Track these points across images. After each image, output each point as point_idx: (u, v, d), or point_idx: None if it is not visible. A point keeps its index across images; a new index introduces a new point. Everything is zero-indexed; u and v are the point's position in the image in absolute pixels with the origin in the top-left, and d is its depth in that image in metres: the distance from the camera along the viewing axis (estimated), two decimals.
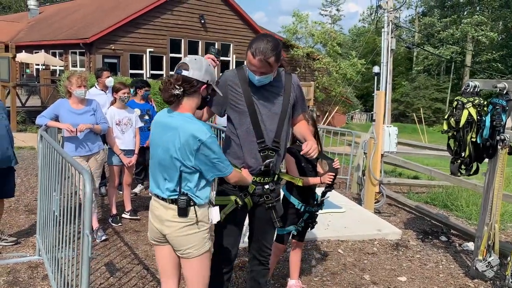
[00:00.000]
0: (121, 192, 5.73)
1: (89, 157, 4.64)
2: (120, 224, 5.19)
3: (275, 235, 3.18)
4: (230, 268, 2.78)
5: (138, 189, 6.65)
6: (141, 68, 18.78)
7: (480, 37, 36.72)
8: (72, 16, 23.22)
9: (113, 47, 17.62)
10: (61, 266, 3.25)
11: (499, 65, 37.67)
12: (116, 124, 5.17)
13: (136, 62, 18.65)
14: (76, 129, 4.40)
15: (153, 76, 18.05)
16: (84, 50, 17.79)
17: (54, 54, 20.30)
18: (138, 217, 5.43)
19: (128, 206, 5.46)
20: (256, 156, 2.60)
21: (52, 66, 20.04)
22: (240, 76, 2.60)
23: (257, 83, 2.54)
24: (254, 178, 2.63)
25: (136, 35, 18.22)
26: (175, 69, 2.33)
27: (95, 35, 16.94)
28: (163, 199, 2.39)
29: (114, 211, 5.26)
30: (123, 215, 5.38)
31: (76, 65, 19.25)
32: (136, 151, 5.38)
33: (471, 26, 36.63)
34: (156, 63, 19.24)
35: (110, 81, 6.31)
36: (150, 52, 18.76)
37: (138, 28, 18.21)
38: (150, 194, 6.37)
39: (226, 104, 2.61)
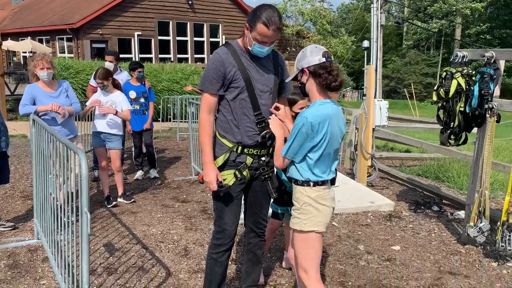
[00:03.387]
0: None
1: (71, 140, 4.61)
2: (115, 203, 5.24)
3: (270, 212, 3.23)
4: (232, 245, 2.83)
5: (139, 174, 6.58)
6: (130, 52, 18.60)
7: (463, 10, 36.65)
8: (57, 2, 22.80)
9: (100, 32, 17.41)
10: (60, 248, 3.29)
11: (487, 36, 37.73)
12: (98, 106, 5.17)
13: (125, 46, 18.47)
14: (65, 110, 4.41)
15: (142, 60, 17.91)
16: (71, 36, 17.55)
17: (40, 41, 20.01)
18: (133, 200, 5.46)
19: (120, 190, 5.45)
20: (253, 130, 2.64)
21: (35, 52, 19.75)
22: (232, 52, 2.62)
23: (265, 53, 2.61)
24: (251, 151, 2.67)
25: (124, 18, 18.00)
26: (328, 57, 2.46)
27: (82, 20, 16.71)
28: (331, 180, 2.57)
29: (106, 193, 5.29)
30: (118, 200, 5.40)
31: (64, 51, 19.02)
32: (128, 117, 5.27)
33: None
34: (144, 46, 19.06)
35: (109, 65, 6.26)
36: (138, 35, 18.57)
37: (125, 12, 17.98)
38: (151, 177, 6.47)
39: (226, 82, 2.62)
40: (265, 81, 2.67)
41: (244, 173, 2.70)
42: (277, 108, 2.68)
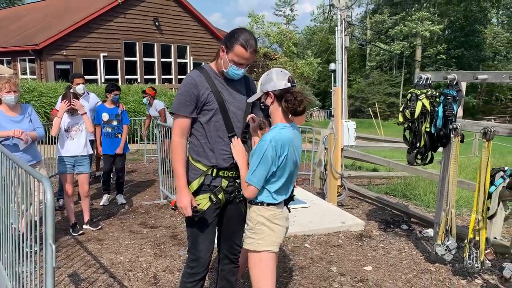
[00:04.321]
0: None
1: (34, 166, 4.44)
2: (81, 232, 5.04)
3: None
4: (206, 273, 2.76)
5: (105, 199, 6.35)
6: (96, 74, 18.29)
7: (422, 32, 38.30)
8: (19, 22, 22.28)
9: (64, 53, 17.07)
10: (22, 281, 3.12)
11: (443, 56, 39.42)
12: (65, 130, 5.02)
13: (90, 67, 18.15)
14: (28, 136, 4.25)
15: (127, 81, 17.64)
16: (34, 57, 17.13)
17: (1, 62, 19.41)
18: (100, 227, 5.27)
19: (86, 217, 5.26)
20: (228, 152, 2.62)
21: (0, 74, 19.14)
22: (205, 75, 2.62)
23: (240, 76, 2.63)
24: (226, 173, 2.64)
25: (89, 39, 17.74)
26: (292, 82, 2.51)
27: (45, 41, 16.35)
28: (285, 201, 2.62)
29: (73, 220, 5.08)
30: (84, 226, 5.20)
31: (26, 72, 18.50)
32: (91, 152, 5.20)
33: (415, 22, 38.16)
34: (110, 67, 18.80)
35: (80, 88, 6.08)
36: (104, 56, 18.31)
37: (90, 33, 17.73)
38: (118, 203, 6.26)
39: (199, 105, 2.59)
40: (238, 104, 2.67)
41: (220, 196, 2.65)
42: (254, 120, 2.69)
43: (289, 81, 2.49)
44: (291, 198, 2.67)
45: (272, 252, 2.55)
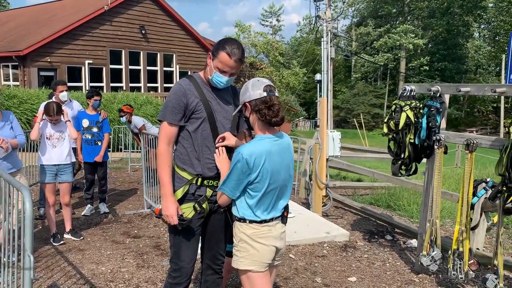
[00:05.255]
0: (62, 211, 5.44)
1: (14, 174, 4.32)
2: (62, 242, 4.94)
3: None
4: (188, 284, 2.72)
5: (87, 210, 6.21)
6: (80, 81, 18.11)
7: (406, 44, 38.98)
8: (2, 28, 21.97)
9: (49, 60, 16.88)
10: None
11: (426, 68, 40.13)
12: (47, 138, 4.91)
13: (75, 74, 17.97)
14: (8, 144, 4.16)
15: (112, 88, 17.61)
16: (17, 63, 16.89)
17: None
18: (81, 237, 5.17)
19: (68, 226, 5.15)
20: (213, 161, 2.61)
21: None
22: (194, 84, 2.61)
23: (225, 85, 2.61)
24: (211, 182, 2.62)
25: (74, 46, 17.58)
26: (269, 91, 2.38)
27: (29, 47, 16.13)
28: (276, 218, 2.48)
29: (53, 230, 4.96)
30: (65, 236, 5.10)
31: (9, 78, 18.23)
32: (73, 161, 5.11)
33: (399, 34, 38.85)
34: (95, 75, 18.65)
35: (64, 95, 5.99)
36: (89, 63, 18.15)
37: (75, 40, 17.58)
38: (100, 212, 6.14)
39: (187, 113, 2.57)
40: (225, 114, 2.67)
41: (204, 205, 2.63)
42: (223, 138, 2.61)
43: (265, 90, 2.37)
44: (285, 216, 2.52)
45: (257, 272, 2.43)
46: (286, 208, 2.55)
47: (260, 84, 2.40)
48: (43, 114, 4.93)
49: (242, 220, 2.43)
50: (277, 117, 2.34)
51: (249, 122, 2.49)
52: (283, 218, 2.53)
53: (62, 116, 4.98)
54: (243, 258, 2.43)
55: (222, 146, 2.60)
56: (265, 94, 2.37)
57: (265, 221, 2.42)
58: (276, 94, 2.43)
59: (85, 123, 5.99)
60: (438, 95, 4.05)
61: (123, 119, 7.91)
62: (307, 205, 6.91)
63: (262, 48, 25.70)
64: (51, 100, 5.57)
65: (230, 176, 2.37)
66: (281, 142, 2.47)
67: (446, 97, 4.17)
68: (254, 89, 2.40)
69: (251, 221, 2.41)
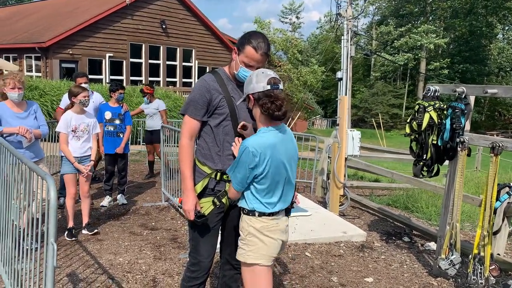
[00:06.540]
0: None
1: (36, 164, 4.36)
2: (75, 239, 4.84)
3: None
4: (206, 278, 2.73)
5: (106, 201, 6.24)
6: (101, 73, 18.33)
7: (427, 45, 38.39)
8: (26, 20, 22.38)
9: (70, 52, 17.12)
10: (21, 279, 3.08)
11: (445, 71, 39.47)
12: (72, 130, 4.84)
13: (95, 67, 18.20)
14: (32, 134, 4.22)
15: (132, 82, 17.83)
16: (40, 55, 17.18)
17: (7, 58, 19.44)
18: (96, 230, 5.09)
19: (86, 219, 5.06)
20: (234, 157, 2.59)
21: (6, 70, 19.15)
22: (218, 80, 2.60)
23: None
24: (229, 178, 2.61)
25: (95, 39, 17.80)
26: (273, 84, 2.34)
27: (52, 39, 16.40)
28: (282, 210, 2.50)
29: (70, 224, 4.89)
30: (82, 231, 5.03)
31: (32, 69, 18.55)
32: (93, 157, 5.01)
33: (420, 34, 38.29)
34: (116, 68, 18.85)
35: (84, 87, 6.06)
36: (109, 57, 18.36)
37: (97, 33, 17.80)
38: (119, 204, 6.20)
39: (210, 109, 2.58)
40: (246, 108, 2.64)
41: (223, 200, 2.62)
42: (244, 127, 2.59)
43: (269, 83, 2.33)
44: (289, 209, 2.55)
45: (264, 265, 2.44)
46: (291, 200, 2.58)
47: (264, 76, 2.36)
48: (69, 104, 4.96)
49: (251, 213, 2.43)
50: (279, 111, 2.31)
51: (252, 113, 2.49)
52: (287, 211, 2.54)
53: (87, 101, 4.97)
54: (251, 252, 2.43)
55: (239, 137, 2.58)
56: (268, 87, 2.34)
57: (273, 213, 2.43)
58: (281, 87, 2.39)
59: (108, 115, 6.06)
60: (463, 96, 3.98)
61: (146, 99, 8.06)
62: (323, 204, 6.88)
63: (281, 45, 25.57)
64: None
65: (236, 169, 2.37)
66: (284, 134, 2.46)
67: (471, 99, 4.09)
68: (258, 81, 2.36)
69: (260, 214, 2.41)
